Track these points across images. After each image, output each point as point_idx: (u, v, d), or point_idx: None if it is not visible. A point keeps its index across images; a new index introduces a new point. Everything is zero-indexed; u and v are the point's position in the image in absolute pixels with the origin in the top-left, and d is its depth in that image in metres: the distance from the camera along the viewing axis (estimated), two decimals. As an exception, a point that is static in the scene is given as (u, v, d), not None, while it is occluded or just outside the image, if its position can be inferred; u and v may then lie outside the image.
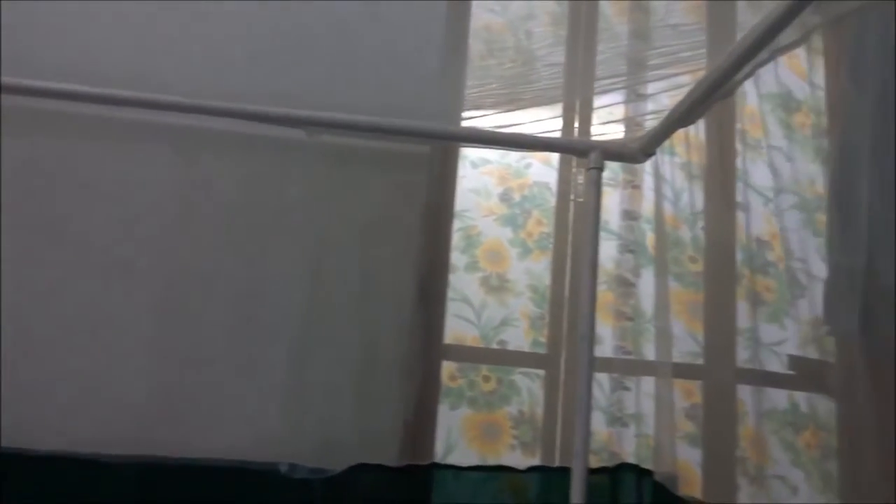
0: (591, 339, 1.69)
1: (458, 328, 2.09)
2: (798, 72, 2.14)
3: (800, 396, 2.02)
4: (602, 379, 2.07)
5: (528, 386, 2.11)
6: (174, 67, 1.86)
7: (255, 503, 1.68)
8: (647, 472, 1.70)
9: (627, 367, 1.97)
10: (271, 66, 1.90)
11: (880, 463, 1.74)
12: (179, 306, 1.79)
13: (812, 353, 2.08)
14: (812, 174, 1.94)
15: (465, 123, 2.06)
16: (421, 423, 1.89)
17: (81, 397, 1.74)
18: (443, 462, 1.82)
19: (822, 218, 1.91)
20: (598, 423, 2.04)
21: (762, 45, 1.33)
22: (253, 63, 1.90)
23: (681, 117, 1.62)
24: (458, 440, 2.01)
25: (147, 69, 1.86)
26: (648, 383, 1.97)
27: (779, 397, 2.04)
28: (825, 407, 1.96)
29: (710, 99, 1.53)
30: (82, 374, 1.75)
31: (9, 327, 1.73)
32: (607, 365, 1.99)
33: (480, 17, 2.26)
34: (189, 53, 1.88)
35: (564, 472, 1.72)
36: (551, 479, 1.83)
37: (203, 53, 1.89)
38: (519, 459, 2.02)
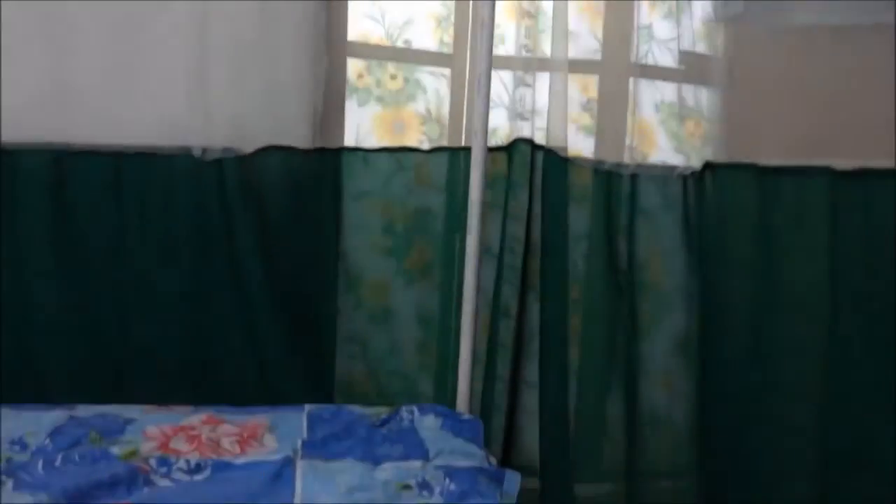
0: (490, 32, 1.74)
1: (363, 27, 2.09)
2: None
3: (687, 89, 2.17)
4: (505, 77, 2.15)
5: (435, 85, 2.18)
6: None
7: (167, 187, 1.76)
8: (541, 146, 1.85)
9: (527, 64, 2.04)
10: None
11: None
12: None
13: (702, 49, 2.21)
14: None
15: None
16: (330, 113, 1.96)
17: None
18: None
19: None
20: (500, 118, 2.16)
21: None
22: None
23: None
24: (367, 136, 2.11)
25: None
26: (546, 79, 2.06)
27: (668, 90, 2.18)
28: (709, 99, 2.13)
29: None
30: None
31: None
32: (507, 62, 2.06)
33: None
34: None
35: (466, 151, 1.86)
36: (455, 160, 1.97)
37: None
38: (427, 153, 2.15)
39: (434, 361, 2.06)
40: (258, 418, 1.52)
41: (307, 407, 1.60)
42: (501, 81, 2.13)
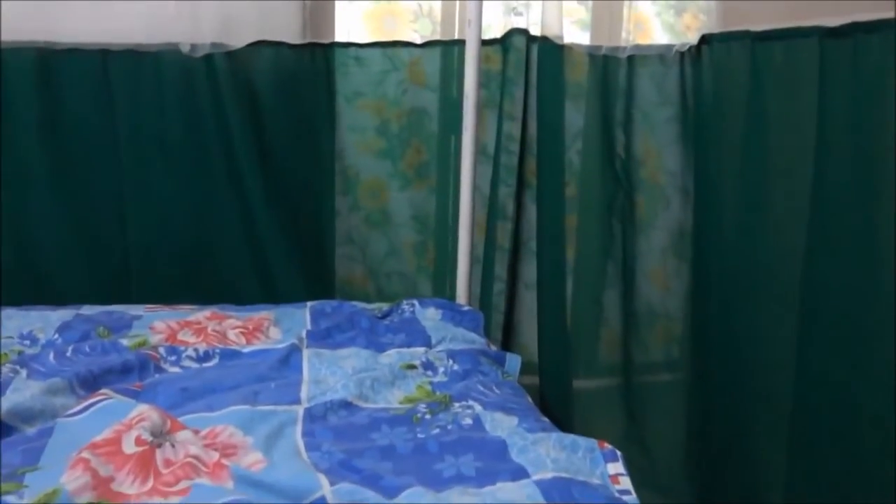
0: None
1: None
2: None
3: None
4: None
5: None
6: None
7: (156, 85, 1.73)
8: (536, 37, 1.81)
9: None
10: None
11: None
12: None
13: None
14: None
15: None
16: (319, 8, 1.90)
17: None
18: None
19: None
20: (495, 13, 2.11)
21: None
22: None
23: None
24: (357, 34, 2.05)
25: None
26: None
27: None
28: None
29: None
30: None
31: None
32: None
33: None
34: None
35: (461, 45, 1.82)
36: (449, 58, 1.92)
37: None
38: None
39: (432, 263, 2.09)
40: (262, 314, 1.55)
41: (309, 303, 1.63)
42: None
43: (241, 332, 1.43)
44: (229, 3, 1.73)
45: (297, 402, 1.13)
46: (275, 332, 1.45)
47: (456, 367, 1.26)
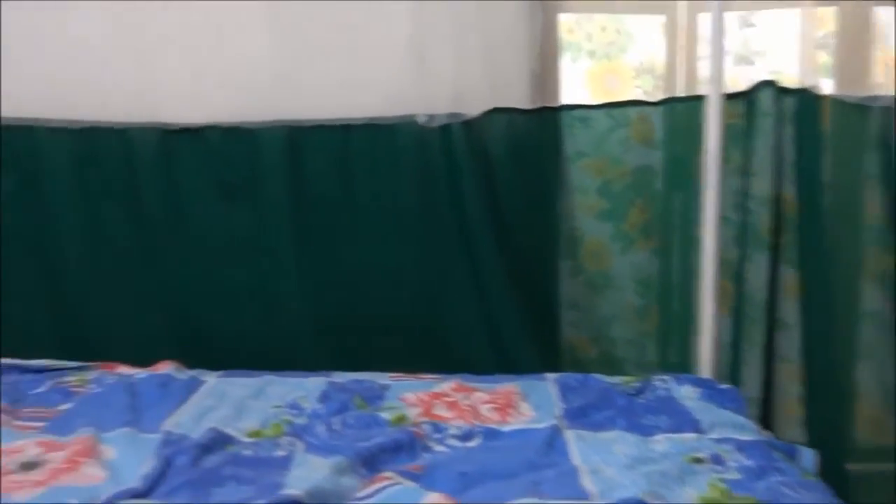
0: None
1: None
2: None
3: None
4: (727, 18, 1.97)
5: (647, 35, 2.05)
6: None
7: (395, 154, 1.77)
8: (788, 89, 1.67)
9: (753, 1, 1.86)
10: None
11: None
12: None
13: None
14: None
15: None
16: (546, 73, 1.89)
17: (215, 73, 1.80)
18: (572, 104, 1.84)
19: None
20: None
21: None
22: None
23: None
24: (580, 92, 2.02)
25: None
26: (775, 17, 1.87)
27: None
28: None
29: None
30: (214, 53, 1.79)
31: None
32: (728, 4, 1.88)
33: None
34: None
35: (698, 101, 1.73)
36: (673, 113, 1.82)
37: None
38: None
39: (655, 328, 1.97)
40: (506, 386, 1.51)
41: (548, 375, 1.58)
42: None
43: (494, 408, 1.40)
44: (463, 73, 1.76)
45: (585, 496, 1.06)
46: (525, 408, 1.40)
47: (748, 462, 1.13)
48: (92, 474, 1.16)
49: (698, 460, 1.15)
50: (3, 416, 1.35)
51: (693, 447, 1.20)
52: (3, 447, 1.24)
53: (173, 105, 1.76)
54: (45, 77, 1.78)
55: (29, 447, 1.24)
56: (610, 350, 1.93)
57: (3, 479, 1.14)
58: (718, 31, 1.63)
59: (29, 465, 1.18)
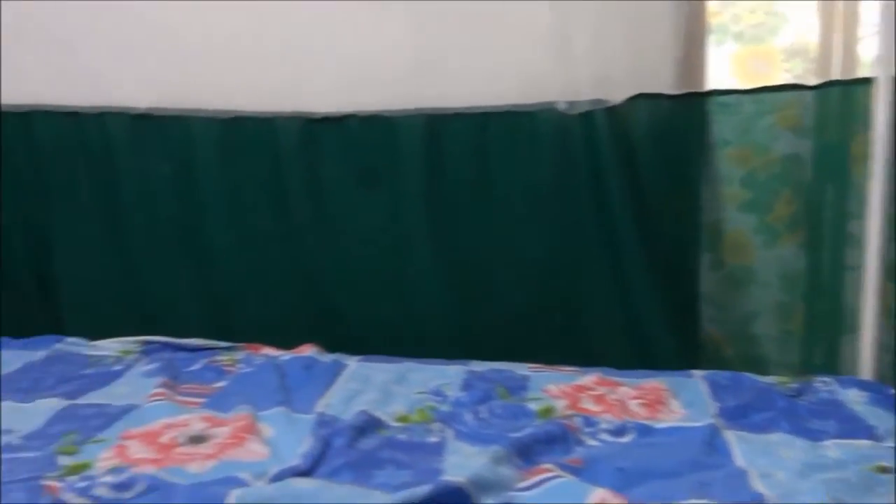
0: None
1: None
2: None
3: None
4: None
5: (798, 14, 1.93)
6: None
7: (534, 142, 1.74)
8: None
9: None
10: None
11: None
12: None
13: None
14: None
15: None
16: (691, 58, 1.81)
17: (356, 64, 1.83)
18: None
19: None
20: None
21: None
22: None
23: None
24: (725, 77, 1.93)
25: None
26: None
27: None
28: None
29: None
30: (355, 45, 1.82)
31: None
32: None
33: None
34: None
35: (862, 84, 1.61)
36: (833, 97, 1.70)
37: None
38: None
39: (800, 327, 1.86)
40: (651, 382, 1.46)
41: (695, 372, 1.51)
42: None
43: (642, 404, 1.35)
44: (604, 58, 1.71)
45: (760, 500, 1.01)
46: (676, 406, 1.35)
47: (943, 475, 1.05)
48: (256, 450, 1.20)
49: (884, 469, 1.07)
50: (166, 391, 1.43)
51: (872, 455, 1.12)
52: (170, 420, 1.32)
53: (316, 95, 1.79)
54: (197, 69, 1.86)
55: (194, 421, 1.31)
56: (750, 348, 1.83)
57: (175, 451, 1.21)
58: (889, 8, 1.51)
59: (197, 439, 1.24)
